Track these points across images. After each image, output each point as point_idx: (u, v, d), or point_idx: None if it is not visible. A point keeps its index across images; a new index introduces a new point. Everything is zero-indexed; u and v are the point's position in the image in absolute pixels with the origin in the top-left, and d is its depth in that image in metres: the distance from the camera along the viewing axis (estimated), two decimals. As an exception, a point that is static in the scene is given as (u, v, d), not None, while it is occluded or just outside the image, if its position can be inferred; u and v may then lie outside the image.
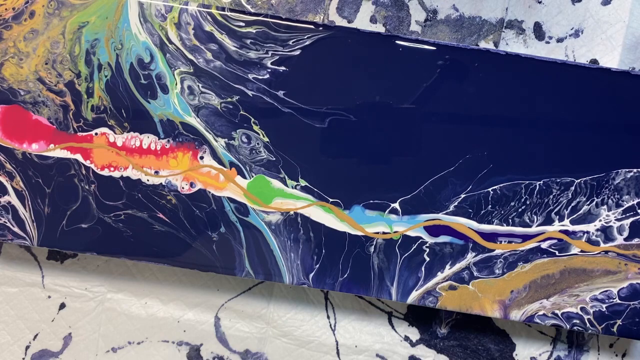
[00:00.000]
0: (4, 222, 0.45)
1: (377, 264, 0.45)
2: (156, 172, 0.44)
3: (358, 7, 0.50)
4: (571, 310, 0.45)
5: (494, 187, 0.44)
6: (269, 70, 0.44)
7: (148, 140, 0.44)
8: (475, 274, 0.45)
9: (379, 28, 0.50)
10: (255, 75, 0.44)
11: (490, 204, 0.44)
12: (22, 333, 0.50)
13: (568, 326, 0.45)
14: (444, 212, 0.44)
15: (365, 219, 0.44)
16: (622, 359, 0.50)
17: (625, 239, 0.44)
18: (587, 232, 0.44)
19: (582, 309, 0.45)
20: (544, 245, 0.44)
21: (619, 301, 0.45)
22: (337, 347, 0.50)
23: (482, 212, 0.44)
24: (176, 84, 0.44)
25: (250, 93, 0.44)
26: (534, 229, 0.44)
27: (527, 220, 0.44)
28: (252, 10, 0.49)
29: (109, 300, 0.50)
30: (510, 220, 0.44)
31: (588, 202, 0.44)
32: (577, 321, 0.45)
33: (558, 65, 0.44)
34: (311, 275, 0.45)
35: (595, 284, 0.45)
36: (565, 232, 0.44)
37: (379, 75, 0.44)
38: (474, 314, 0.45)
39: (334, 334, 0.50)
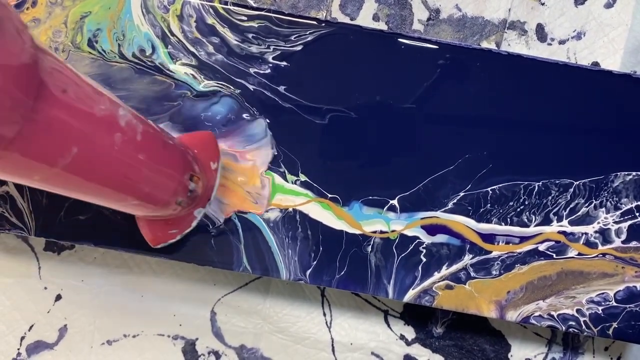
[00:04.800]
0: (2, 212, 0.45)
1: (374, 262, 0.45)
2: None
3: (361, 4, 0.50)
4: (567, 312, 0.45)
5: (493, 187, 0.44)
6: (271, 65, 0.44)
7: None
8: (472, 274, 0.45)
9: (382, 26, 0.50)
10: (256, 70, 0.44)
11: (489, 203, 0.44)
12: (18, 324, 0.50)
13: (564, 328, 0.45)
14: (443, 209, 0.44)
15: (363, 216, 0.44)
16: (617, 362, 0.50)
17: (622, 242, 0.44)
18: (585, 234, 0.44)
19: (578, 310, 0.45)
20: (542, 247, 0.44)
21: (615, 304, 0.45)
22: (332, 344, 0.50)
23: (480, 210, 0.44)
24: (177, 76, 0.44)
25: (251, 87, 0.44)
26: (532, 229, 0.44)
27: (526, 220, 0.44)
28: (255, 5, 0.49)
29: (105, 293, 0.50)
30: (508, 219, 0.44)
31: (586, 204, 0.44)
32: (573, 323, 0.45)
33: (559, 67, 0.44)
34: (308, 271, 0.45)
35: (591, 286, 0.45)
36: (563, 232, 0.44)
37: (381, 73, 0.44)
38: (470, 313, 0.45)
39: (330, 331, 0.50)
